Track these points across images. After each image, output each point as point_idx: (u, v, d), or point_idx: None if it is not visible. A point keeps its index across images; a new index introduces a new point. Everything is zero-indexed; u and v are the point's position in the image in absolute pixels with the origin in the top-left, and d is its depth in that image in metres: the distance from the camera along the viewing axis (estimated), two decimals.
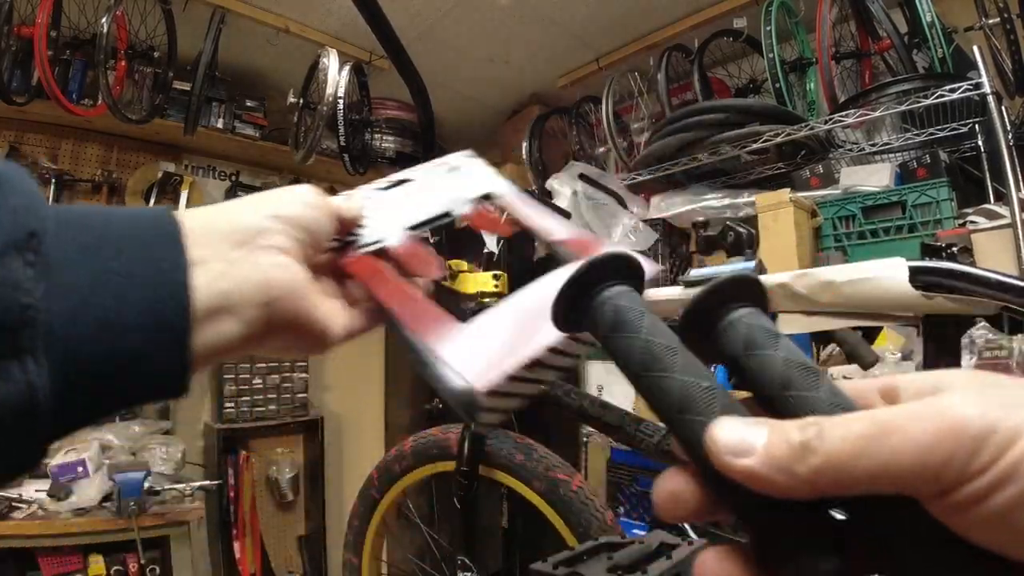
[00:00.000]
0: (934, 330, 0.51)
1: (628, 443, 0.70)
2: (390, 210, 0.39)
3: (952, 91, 1.49)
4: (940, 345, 0.51)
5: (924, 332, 0.52)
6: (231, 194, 2.81)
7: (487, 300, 0.89)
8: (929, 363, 0.52)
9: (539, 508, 0.79)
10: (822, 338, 1.57)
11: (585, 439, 2.13)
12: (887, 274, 0.49)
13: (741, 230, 0.66)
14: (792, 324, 0.58)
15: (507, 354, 0.28)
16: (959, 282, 0.46)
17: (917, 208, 1.48)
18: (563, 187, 2.01)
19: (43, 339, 0.22)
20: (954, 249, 0.46)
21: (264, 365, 2.59)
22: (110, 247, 0.25)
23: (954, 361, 0.51)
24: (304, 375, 2.70)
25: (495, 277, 0.89)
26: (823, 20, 1.77)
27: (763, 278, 0.57)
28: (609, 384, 2.04)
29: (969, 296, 0.46)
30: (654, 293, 0.69)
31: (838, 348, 1.48)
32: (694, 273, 0.64)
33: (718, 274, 0.60)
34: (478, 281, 0.89)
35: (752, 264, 0.61)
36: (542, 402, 0.80)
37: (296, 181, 2.60)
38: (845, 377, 1.47)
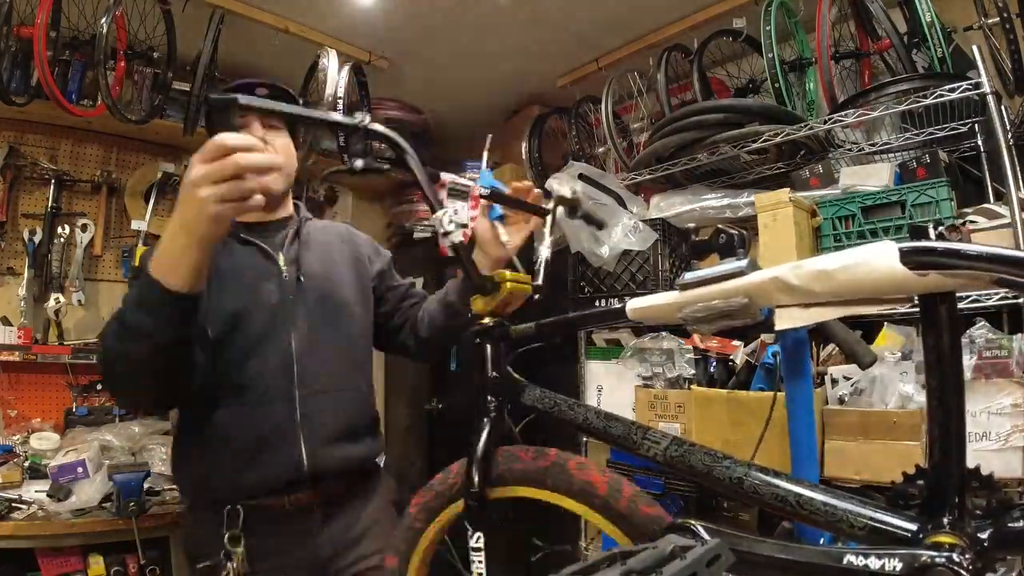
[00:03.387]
0: (931, 309, 0.51)
1: (634, 452, 0.69)
2: None
3: (952, 91, 1.49)
4: (938, 323, 0.51)
5: (922, 312, 0.52)
6: None
7: (488, 321, 0.88)
8: (929, 344, 0.52)
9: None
10: (821, 338, 1.57)
11: (585, 438, 2.14)
12: (878, 257, 0.49)
13: (732, 231, 0.65)
14: (789, 319, 0.57)
15: None
16: (949, 259, 0.46)
17: (917, 208, 1.48)
18: (563, 187, 2.01)
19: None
20: (942, 228, 0.48)
21: None
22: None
23: (955, 340, 0.51)
24: None
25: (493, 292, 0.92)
26: (823, 20, 1.77)
27: (756, 273, 0.58)
28: (609, 384, 2.04)
29: (961, 271, 0.46)
30: (649, 300, 0.69)
31: (837, 348, 1.49)
32: (688, 276, 0.63)
33: (711, 275, 0.60)
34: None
35: (744, 263, 0.60)
36: (544, 416, 0.80)
37: None
38: (845, 377, 1.47)
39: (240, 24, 2.26)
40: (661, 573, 0.42)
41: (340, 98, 2.30)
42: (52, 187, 2.40)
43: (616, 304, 0.74)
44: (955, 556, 0.46)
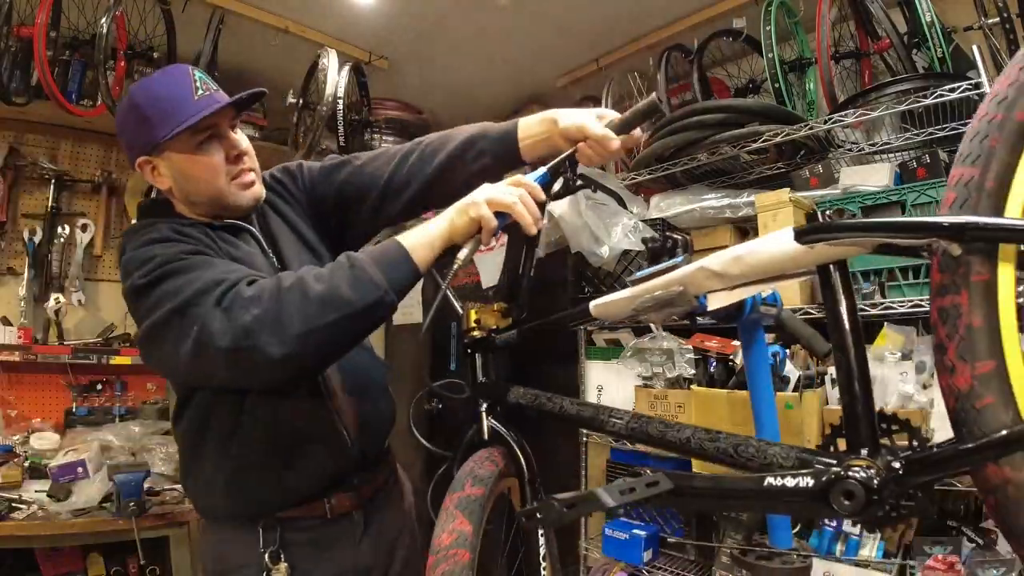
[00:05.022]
0: (827, 276, 0.61)
1: (602, 431, 0.79)
2: None
3: (951, 91, 1.49)
4: (834, 287, 0.61)
5: (820, 280, 0.62)
6: None
7: (476, 334, 0.98)
8: (829, 306, 0.61)
9: None
10: (787, 338, 1.57)
11: (585, 438, 2.14)
12: (777, 239, 0.60)
13: (677, 237, 0.88)
14: (719, 299, 0.68)
15: None
16: (830, 232, 0.56)
17: (917, 208, 1.48)
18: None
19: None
20: (830, 212, 0.59)
21: None
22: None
23: (850, 300, 0.61)
24: None
25: (474, 313, 1.00)
26: (823, 20, 1.77)
27: (687, 267, 0.69)
28: (609, 384, 2.04)
29: (841, 239, 0.55)
30: (608, 297, 0.78)
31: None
32: (637, 274, 0.75)
33: (653, 271, 0.73)
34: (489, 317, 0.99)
35: (679, 259, 0.73)
36: (528, 409, 0.89)
37: None
38: None
39: (240, 24, 2.26)
40: (604, 484, 0.52)
41: (340, 98, 2.31)
42: (52, 187, 2.40)
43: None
44: (862, 473, 0.52)
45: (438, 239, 0.87)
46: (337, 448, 1.00)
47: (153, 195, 1.12)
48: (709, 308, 0.69)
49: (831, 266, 0.60)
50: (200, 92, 0.95)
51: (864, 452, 0.56)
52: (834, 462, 0.56)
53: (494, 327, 0.98)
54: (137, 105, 0.95)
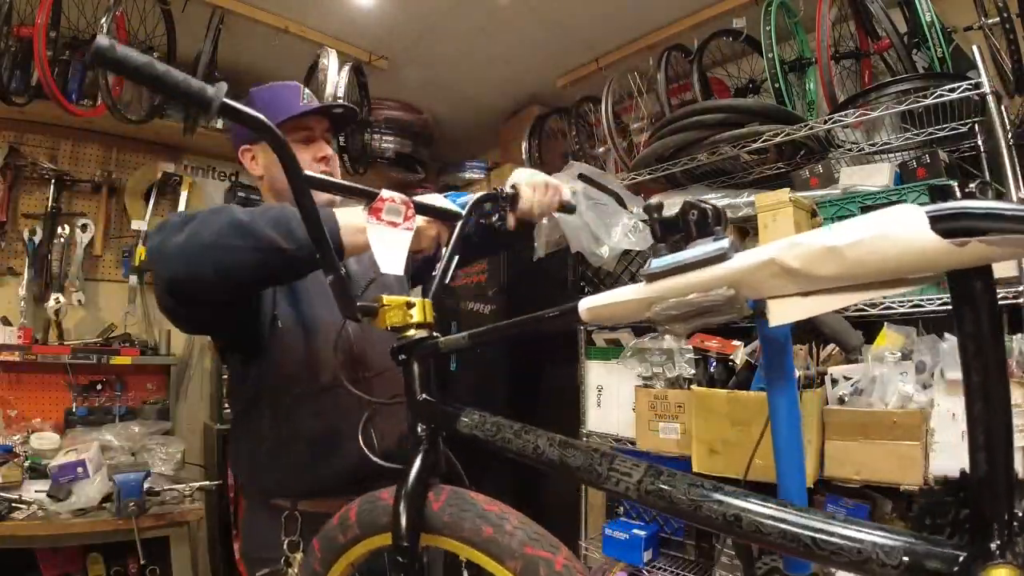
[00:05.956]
0: (966, 287, 0.40)
1: (601, 487, 0.56)
2: None
3: (952, 91, 1.49)
4: (976, 304, 0.40)
5: (955, 292, 0.41)
6: (230, 195, 2.81)
7: (413, 333, 0.75)
8: (966, 331, 0.42)
9: None
10: (807, 330, 1.52)
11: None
12: (901, 225, 0.38)
13: (705, 206, 0.51)
14: (787, 311, 0.45)
15: None
16: (997, 223, 0.36)
17: None
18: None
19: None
20: (972, 186, 0.36)
21: None
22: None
23: (994, 323, 0.41)
24: None
25: (407, 306, 0.75)
26: (823, 20, 1.77)
27: (744, 256, 0.47)
28: (609, 384, 2.04)
29: (1010, 237, 0.36)
30: (608, 296, 0.56)
31: (823, 333, 1.47)
32: (656, 264, 0.50)
33: (685, 261, 0.47)
34: (398, 314, 0.77)
35: (725, 243, 0.47)
36: (486, 445, 0.66)
37: None
38: (845, 377, 1.47)
39: (240, 24, 2.26)
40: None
41: (340, 98, 2.31)
42: (52, 187, 2.40)
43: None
44: None
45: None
46: (365, 451, 1.04)
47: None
48: (772, 324, 0.46)
49: (971, 272, 0.40)
50: (305, 100, 1.15)
51: (995, 544, 0.40)
52: (960, 557, 0.41)
53: (431, 325, 0.76)
54: (253, 102, 1.14)
